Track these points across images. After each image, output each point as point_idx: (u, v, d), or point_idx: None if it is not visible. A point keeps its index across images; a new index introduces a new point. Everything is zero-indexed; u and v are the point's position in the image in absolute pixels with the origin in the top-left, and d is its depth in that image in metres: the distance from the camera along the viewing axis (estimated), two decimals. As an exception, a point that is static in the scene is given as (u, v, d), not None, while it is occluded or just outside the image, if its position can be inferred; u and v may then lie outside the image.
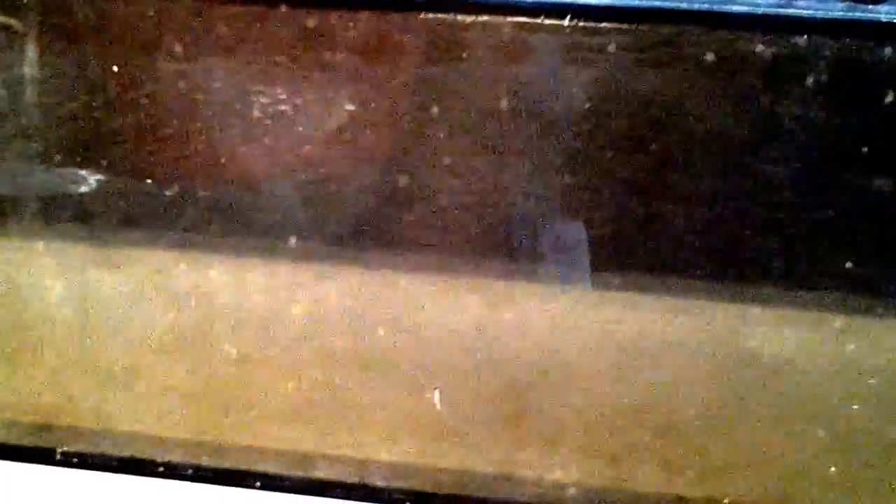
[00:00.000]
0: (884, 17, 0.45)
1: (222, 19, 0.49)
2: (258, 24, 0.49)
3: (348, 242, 0.52)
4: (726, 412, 0.51)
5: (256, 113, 0.50)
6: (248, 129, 0.51)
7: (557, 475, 0.53)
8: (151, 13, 0.50)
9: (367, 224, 0.52)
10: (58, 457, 0.56)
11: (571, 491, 0.53)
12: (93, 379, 0.56)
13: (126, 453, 0.56)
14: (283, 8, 0.48)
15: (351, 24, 0.48)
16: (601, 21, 0.46)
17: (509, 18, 0.47)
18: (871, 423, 0.50)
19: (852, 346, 0.50)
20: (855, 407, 0.50)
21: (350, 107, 0.50)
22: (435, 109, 0.49)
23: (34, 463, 0.56)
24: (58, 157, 0.53)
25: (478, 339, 0.53)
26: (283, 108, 0.50)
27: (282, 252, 0.52)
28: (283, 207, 0.52)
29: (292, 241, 0.52)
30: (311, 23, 0.49)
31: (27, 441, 0.57)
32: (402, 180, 0.50)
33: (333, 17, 0.48)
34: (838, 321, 0.50)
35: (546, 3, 0.47)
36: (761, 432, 0.51)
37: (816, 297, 0.49)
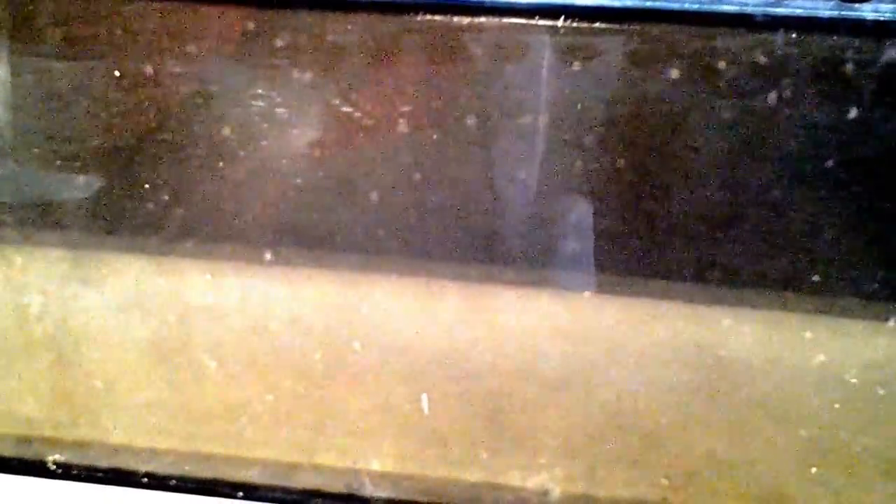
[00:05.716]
0: (870, 16, 0.44)
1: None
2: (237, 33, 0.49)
3: (327, 252, 0.52)
4: (705, 417, 0.51)
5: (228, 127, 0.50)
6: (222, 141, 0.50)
7: (540, 480, 0.53)
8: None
9: (345, 233, 0.51)
10: (50, 467, 0.56)
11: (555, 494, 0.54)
12: (76, 391, 0.56)
13: (111, 464, 0.56)
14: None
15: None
16: (594, 21, 0.46)
17: (504, 20, 0.46)
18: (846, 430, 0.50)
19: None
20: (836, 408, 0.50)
21: (327, 113, 0.49)
22: (410, 113, 0.49)
23: (25, 475, 0.56)
24: (36, 167, 0.52)
25: (458, 347, 0.52)
26: (257, 119, 0.50)
27: (260, 264, 0.52)
28: (258, 219, 0.51)
29: (268, 254, 0.52)
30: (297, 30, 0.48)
31: (14, 452, 0.57)
32: (378, 188, 0.50)
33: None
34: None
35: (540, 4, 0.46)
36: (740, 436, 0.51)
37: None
